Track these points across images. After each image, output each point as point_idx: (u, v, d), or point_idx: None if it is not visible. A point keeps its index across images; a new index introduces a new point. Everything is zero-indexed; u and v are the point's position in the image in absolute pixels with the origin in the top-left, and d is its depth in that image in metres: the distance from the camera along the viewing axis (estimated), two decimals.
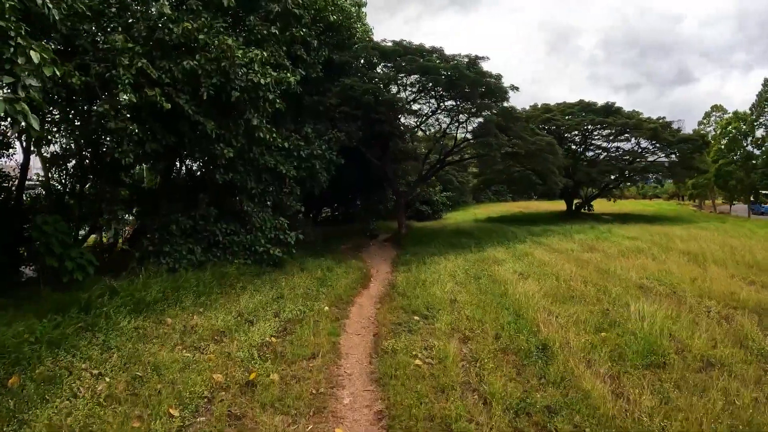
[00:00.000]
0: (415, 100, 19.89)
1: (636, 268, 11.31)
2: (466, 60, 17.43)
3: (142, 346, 6.39)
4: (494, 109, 19.24)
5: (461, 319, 7.46)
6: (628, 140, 33.93)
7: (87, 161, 10.19)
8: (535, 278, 10.04)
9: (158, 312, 7.75)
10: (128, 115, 8.43)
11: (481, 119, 20.49)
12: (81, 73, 7.80)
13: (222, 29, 9.15)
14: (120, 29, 8.32)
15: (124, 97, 7.30)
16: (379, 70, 18.38)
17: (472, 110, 19.92)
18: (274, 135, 10.76)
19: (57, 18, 5.97)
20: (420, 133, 23.94)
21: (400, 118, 20.38)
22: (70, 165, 10.78)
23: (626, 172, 34.64)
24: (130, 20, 8.43)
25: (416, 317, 7.82)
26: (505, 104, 19.53)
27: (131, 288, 8.08)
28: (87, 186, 10.61)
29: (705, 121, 57.67)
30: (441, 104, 20.25)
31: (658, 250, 14.44)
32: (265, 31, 10.41)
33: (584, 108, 33.79)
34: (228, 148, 9.52)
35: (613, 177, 34.68)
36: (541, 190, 40.51)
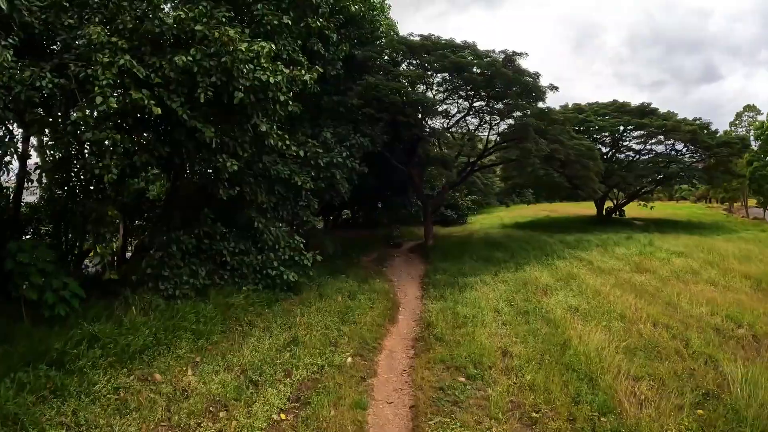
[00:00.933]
0: (443, 101, 18.19)
1: (704, 300, 9.74)
2: (502, 56, 15.74)
3: (118, 420, 5.07)
4: (529, 109, 17.47)
5: (522, 388, 5.87)
6: (661, 142, 31.84)
7: (67, 175, 8.85)
8: (595, 318, 8.38)
9: (146, 363, 6.41)
10: (118, 121, 7.10)
11: (511, 120, 18.78)
12: (55, 74, 6.43)
13: (224, 19, 7.60)
14: (98, 20, 6.87)
15: (100, 100, 5.86)
16: (404, 68, 16.78)
17: (505, 111, 18.17)
18: (287, 142, 9.26)
19: (5, 9, 4.56)
20: (449, 136, 22.21)
21: (427, 120, 18.71)
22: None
23: (662, 175, 32.49)
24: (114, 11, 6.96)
25: (461, 378, 6.25)
26: (541, 105, 17.83)
27: (115, 333, 6.70)
28: (77, 201, 9.33)
29: (737, 122, 54.74)
30: (472, 104, 18.52)
31: (715, 273, 12.99)
32: (275, 22, 8.83)
33: (618, 108, 31.66)
34: (232, 159, 8.02)
35: (648, 181, 32.51)
36: (566, 193, 38.43)
